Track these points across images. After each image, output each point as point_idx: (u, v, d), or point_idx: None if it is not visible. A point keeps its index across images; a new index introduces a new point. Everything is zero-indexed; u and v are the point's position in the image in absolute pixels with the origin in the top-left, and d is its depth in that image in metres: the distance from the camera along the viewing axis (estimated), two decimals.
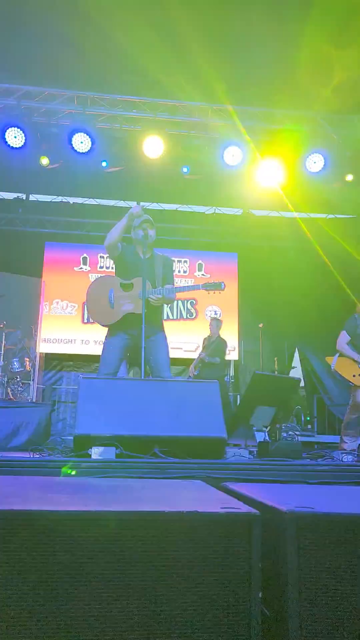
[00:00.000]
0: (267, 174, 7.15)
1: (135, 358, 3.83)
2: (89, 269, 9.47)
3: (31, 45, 6.39)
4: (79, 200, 9.62)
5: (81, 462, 2.37)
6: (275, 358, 8.73)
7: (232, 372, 9.69)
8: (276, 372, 8.41)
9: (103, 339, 4.06)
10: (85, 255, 9.50)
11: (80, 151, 6.60)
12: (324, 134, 6.99)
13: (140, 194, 9.29)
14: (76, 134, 6.56)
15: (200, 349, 7.72)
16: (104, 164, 6.92)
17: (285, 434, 3.51)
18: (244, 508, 1.25)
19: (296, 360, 9.76)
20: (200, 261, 9.73)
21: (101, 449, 2.48)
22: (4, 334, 7.40)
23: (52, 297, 9.19)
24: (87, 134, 6.57)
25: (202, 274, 9.57)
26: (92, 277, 9.17)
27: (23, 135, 6.45)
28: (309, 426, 8.33)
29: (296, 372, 9.56)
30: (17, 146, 6.47)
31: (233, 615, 1.13)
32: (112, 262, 4.16)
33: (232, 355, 9.44)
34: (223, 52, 6.54)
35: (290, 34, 6.19)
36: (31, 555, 1.08)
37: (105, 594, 1.09)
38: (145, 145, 6.77)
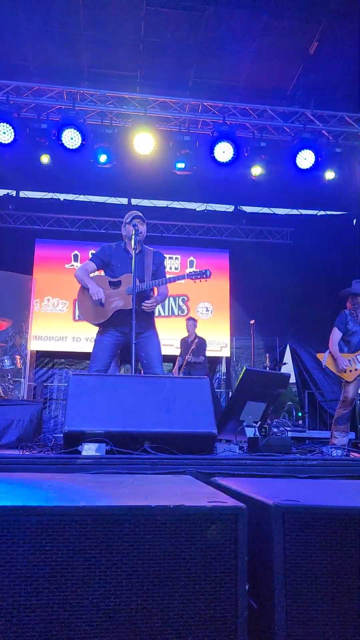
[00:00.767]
0: (257, 170, 7.15)
1: (127, 355, 3.83)
2: (79, 265, 9.43)
3: (20, 41, 6.36)
4: (70, 196, 9.59)
5: (71, 458, 2.36)
6: (267, 354, 8.75)
7: (223, 369, 9.71)
8: (268, 368, 8.43)
9: (94, 336, 4.05)
10: (76, 252, 9.47)
11: (70, 147, 6.56)
12: (314, 130, 7.00)
13: (131, 190, 9.28)
14: (66, 130, 6.52)
15: (180, 350, 7.71)
16: (104, 157, 6.86)
17: (275, 429, 3.53)
18: (231, 502, 1.25)
19: (287, 356, 9.80)
20: (191, 257, 9.73)
21: (91, 445, 2.48)
22: None
23: (43, 295, 9.16)
24: (77, 130, 6.53)
25: (194, 270, 9.57)
26: None
27: (12, 131, 6.40)
28: (300, 421, 8.36)
29: (287, 367, 9.61)
30: (7, 142, 6.42)
31: (220, 608, 1.14)
32: None
33: (224, 351, 9.47)
34: (209, 49, 6.55)
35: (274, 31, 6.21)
36: (18, 552, 1.08)
37: (92, 588, 1.10)
38: (135, 141, 6.75)
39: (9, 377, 7.13)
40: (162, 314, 9.29)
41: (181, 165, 6.95)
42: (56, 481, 1.64)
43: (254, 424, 3.07)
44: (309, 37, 6.32)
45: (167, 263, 9.49)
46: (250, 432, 3.09)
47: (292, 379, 9.49)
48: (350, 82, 6.75)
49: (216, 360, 9.52)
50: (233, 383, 9.41)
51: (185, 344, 7.61)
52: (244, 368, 3.50)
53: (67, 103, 6.65)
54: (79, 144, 6.55)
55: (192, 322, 7.64)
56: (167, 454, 2.56)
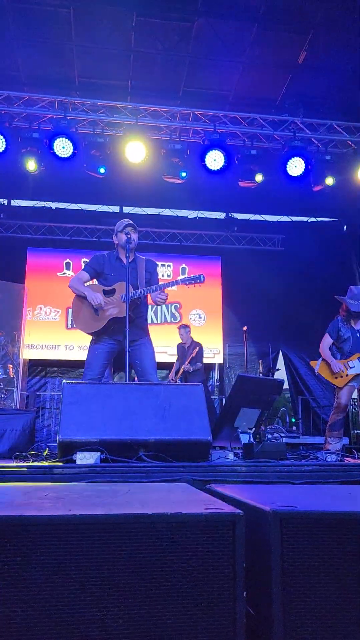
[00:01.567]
0: (247, 178, 7.20)
1: (121, 363, 3.82)
2: (72, 274, 9.43)
3: (11, 51, 6.38)
4: (62, 205, 9.60)
5: (66, 467, 2.35)
6: (260, 360, 8.78)
7: (216, 375, 9.72)
8: (261, 374, 8.45)
9: (87, 344, 4.05)
10: (68, 260, 9.47)
11: (62, 156, 6.59)
12: (304, 138, 7.07)
13: (123, 198, 9.31)
14: (57, 139, 6.54)
15: (177, 356, 7.70)
16: (102, 170, 6.89)
17: (270, 436, 3.53)
18: (228, 508, 1.25)
19: (280, 363, 9.83)
20: (183, 265, 9.76)
21: (86, 454, 2.47)
22: None
23: (36, 303, 9.13)
24: (68, 139, 6.56)
25: (187, 276, 9.59)
26: None
27: (4, 140, 6.42)
28: (294, 427, 8.38)
29: (281, 374, 9.63)
30: None
31: (218, 615, 1.14)
32: None
33: (217, 358, 9.47)
34: (199, 59, 6.61)
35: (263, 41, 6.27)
36: (15, 561, 1.07)
37: (89, 597, 1.09)
38: (127, 149, 6.78)
39: (2, 387, 7.10)
40: (155, 321, 9.29)
41: (184, 174, 6.98)
42: (51, 491, 1.63)
43: (248, 431, 3.07)
44: (297, 47, 6.40)
45: (160, 270, 9.50)
46: (244, 438, 3.09)
47: (285, 385, 9.52)
48: (338, 90, 6.85)
49: (209, 367, 9.52)
50: (226, 389, 9.41)
51: (182, 349, 7.60)
52: (238, 374, 3.51)
53: (59, 112, 6.68)
54: (70, 153, 6.58)
55: (184, 329, 7.64)
56: (162, 461, 2.55)
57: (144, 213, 9.81)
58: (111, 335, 3.89)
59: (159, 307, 9.27)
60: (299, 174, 6.95)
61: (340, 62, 6.41)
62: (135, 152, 6.79)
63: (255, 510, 1.32)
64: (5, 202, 9.46)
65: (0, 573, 1.07)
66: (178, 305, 9.54)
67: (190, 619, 1.12)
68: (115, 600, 1.10)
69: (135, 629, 1.09)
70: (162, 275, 9.43)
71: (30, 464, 2.70)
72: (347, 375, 5.00)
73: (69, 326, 8.96)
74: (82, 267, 9.36)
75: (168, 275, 9.60)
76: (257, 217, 10.13)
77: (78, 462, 2.46)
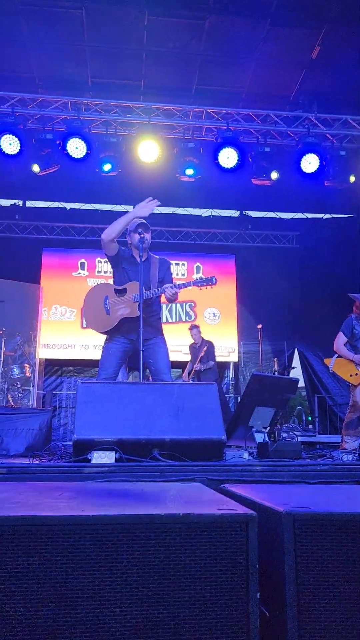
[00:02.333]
0: (261, 175, 7.16)
1: (135, 362, 3.83)
2: (87, 273, 9.48)
3: (24, 53, 6.43)
4: (76, 205, 9.65)
5: (81, 467, 2.37)
6: (275, 359, 8.73)
7: (231, 374, 9.69)
8: (276, 372, 8.40)
9: (102, 344, 4.06)
10: (82, 260, 9.52)
11: (76, 157, 6.62)
12: (318, 134, 7.01)
13: (136, 197, 9.29)
14: (71, 140, 6.58)
15: (190, 357, 7.69)
16: (108, 166, 6.91)
17: (285, 434, 3.51)
18: (241, 509, 1.25)
19: (296, 361, 9.77)
20: (197, 263, 9.75)
21: (100, 453, 2.48)
22: (3, 340, 7.41)
23: (51, 303, 9.20)
24: (82, 139, 6.59)
25: (200, 277, 9.56)
26: (90, 282, 9.19)
27: (18, 142, 6.47)
28: (311, 426, 8.32)
29: (296, 372, 9.57)
30: (13, 153, 6.49)
31: (232, 616, 1.13)
32: (110, 266, 4.16)
33: (232, 356, 9.45)
34: (211, 56, 6.59)
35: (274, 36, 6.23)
36: (29, 561, 1.08)
37: (103, 597, 1.10)
38: (140, 149, 6.79)
39: (19, 386, 7.17)
40: (170, 320, 9.30)
41: (190, 171, 6.98)
42: (66, 490, 1.64)
43: (263, 430, 3.06)
44: (311, 42, 6.35)
45: (174, 269, 9.51)
46: (259, 437, 3.08)
47: (301, 383, 9.45)
48: (353, 85, 6.77)
49: (224, 366, 9.50)
50: (241, 388, 9.39)
51: (194, 350, 7.60)
52: (252, 373, 3.50)
53: (72, 113, 6.71)
54: (84, 153, 6.61)
55: (195, 329, 7.63)
56: (176, 461, 2.55)
57: (158, 212, 9.75)
58: (124, 335, 3.90)
59: (173, 306, 9.28)
60: (313, 171, 6.90)
61: (354, 56, 6.34)
62: (148, 151, 6.80)
63: (269, 510, 1.31)
64: (21, 203, 9.55)
65: (15, 572, 1.08)
66: (192, 304, 9.53)
67: (204, 620, 1.12)
68: (129, 600, 1.11)
69: (149, 629, 1.10)
70: (176, 274, 9.43)
71: (46, 463, 2.72)
72: None
73: (84, 326, 9.01)
74: (97, 267, 9.37)
75: (182, 274, 9.60)
76: (271, 214, 10.07)
77: (93, 461, 2.47)
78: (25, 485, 1.83)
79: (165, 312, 9.09)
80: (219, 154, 6.77)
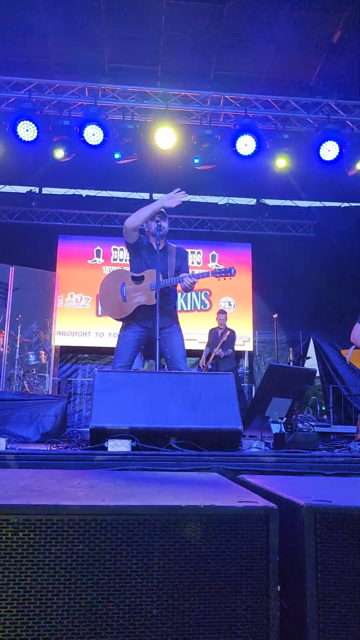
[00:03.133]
0: (280, 162, 7.07)
1: (150, 350, 3.83)
2: (102, 261, 9.49)
3: (41, 38, 6.39)
4: (92, 192, 9.63)
5: (98, 454, 2.38)
6: (290, 348, 8.68)
7: (246, 363, 9.67)
8: (291, 362, 8.36)
9: (117, 332, 4.06)
10: (98, 247, 9.52)
11: (92, 143, 6.59)
12: (338, 121, 6.88)
13: (153, 185, 9.27)
14: (88, 126, 6.55)
15: (208, 341, 7.68)
16: (117, 155, 6.90)
17: (301, 425, 3.49)
18: (261, 502, 1.24)
19: (311, 351, 9.70)
20: (213, 252, 9.69)
21: (117, 441, 2.49)
22: (19, 327, 7.47)
23: (67, 290, 9.24)
24: (98, 126, 6.55)
25: (216, 265, 9.54)
26: (106, 269, 9.19)
27: (35, 128, 6.46)
28: (325, 416, 8.28)
29: (311, 362, 9.51)
30: (29, 139, 6.48)
31: (251, 609, 1.13)
32: (126, 254, 4.15)
33: (247, 346, 9.42)
34: (230, 41, 6.48)
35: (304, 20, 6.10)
36: (50, 550, 1.09)
37: (123, 588, 1.10)
38: (157, 136, 6.73)
39: (34, 372, 7.23)
40: (185, 308, 9.29)
41: (201, 159, 6.93)
42: (84, 478, 1.65)
43: (279, 420, 3.04)
44: (332, 27, 6.21)
45: (190, 258, 9.47)
46: (275, 428, 3.06)
47: (316, 373, 9.40)
48: None
49: (239, 355, 9.47)
50: (256, 377, 9.37)
51: (214, 335, 7.58)
52: (269, 364, 3.47)
53: (89, 99, 6.67)
54: (100, 140, 6.57)
55: (223, 315, 7.62)
56: (192, 450, 2.55)
57: None
58: (140, 322, 3.89)
59: (188, 295, 9.25)
60: (332, 158, 6.78)
61: None
62: (165, 138, 6.74)
63: (289, 503, 1.30)
64: (37, 190, 9.56)
65: (37, 561, 1.08)
66: (208, 293, 9.50)
67: (223, 612, 1.12)
68: (149, 591, 1.11)
69: (168, 620, 1.10)
70: (192, 263, 9.39)
71: (63, 450, 2.74)
72: None
73: (99, 313, 9.04)
74: (112, 255, 9.36)
75: (198, 263, 9.56)
76: (288, 202, 9.95)
77: (110, 449, 2.48)
78: (44, 473, 1.84)
79: (180, 301, 9.07)
80: (237, 141, 6.69)
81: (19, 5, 5.89)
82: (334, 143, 6.74)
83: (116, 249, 9.41)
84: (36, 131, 6.46)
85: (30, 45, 6.55)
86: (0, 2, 5.82)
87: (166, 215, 3.98)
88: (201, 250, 9.67)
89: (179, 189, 3.83)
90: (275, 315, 8.03)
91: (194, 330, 8.23)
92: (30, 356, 7.31)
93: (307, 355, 9.51)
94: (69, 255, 9.43)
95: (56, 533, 1.09)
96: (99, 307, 8.99)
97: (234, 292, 9.42)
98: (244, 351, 9.53)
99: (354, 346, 5.09)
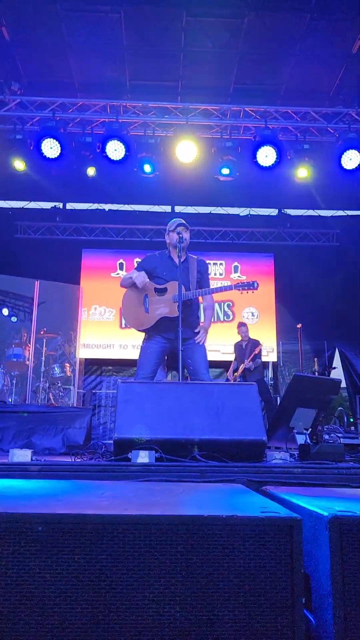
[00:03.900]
0: (301, 172, 7.06)
1: (173, 361, 3.84)
2: (125, 274, 9.56)
3: (64, 57, 6.55)
4: (114, 206, 9.76)
5: (121, 466, 2.39)
6: (315, 359, 8.58)
7: (270, 374, 9.59)
8: (316, 372, 8.26)
9: (141, 344, 4.09)
10: (121, 260, 9.62)
11: (114, 159, 6.70)
12: (359, 130, 6.85)
13: (174, 198, 9.35)
14: (110, 142, 6.66)
15: (234, 355, 7.65)
16: (148, 167, 6.98)
17: (327, 436, 3.44)
18: (285, 512, 1.23)
19: (337, 361, 9.57)
20: (236, 263, 9.69)
21: (141, 452, 2.50)
22: (44, 340, 7.57)
23: (90, 303, 9.33)
24: (120, 141, 6.66)
25: (238, 276, 9.52)
26: None
27: (59, 145, 6.60)
28: (352, 428, 8.13)
29: (337, 372, 9.38)
30: (53, 157, 6.62)
31: (276, 621, 1.12)
32: None
33: (271, 356, 9.35)
34: (249, 54, 6.53)
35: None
36: (74, 559, 1.10)
37: (147, 598, 1.10)
38: (178, 149, 6.81)
39: (59, 385, 7.30)
40: None
41: (226, 170, 6.96)
42: (108, 489, 1.66)
43: (304, 431, 3.01)
44: (352, 36, 6.22)
45: (212, 269, 9.49)
46: (301, 439, 3.03)
47: (342, 384, 9.25)
48: None
49: (263, 365, 9.38)
50: (280, 388, 9.27)
51: (239, 348, 7.56)
52: (293, 374, 3.44)
53: (111, 116, 6.79)
54: (122, 155, 6.68)
55: (243, 327, 7.60)
56: (216, 461, 2.54)
57: (195, 212, 9.81)
58: (162, 334, 3.91)
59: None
60: (354, 167, 6.74)
61: None
62: (186, 151, 6.81)
63: (313, 514, 1.29)
64: (61, 205, 9.73)
65: (61, 569, 1.09)
66: (231, 304, 9.48)
67: (247, 623, 1.11)
68: (172, 601, 1.11)
69: (191, 631, 1.09)
70: (214, 274, 9.40)
71: (87, 461, 2.76)
72: None
73: (123, 326, 9.10)
74: (135, 267, 9.45)
75: (220, 274, 9.56)
76: (310, 212, 9.91)
77: (133, 460, 2.49)
78: (68, 483, 1.86)
79: (202, 311, 9.07)
80: (257, 153, 6.71)
81: (42, 27, 6.06)
82: (356, 152, 6.70)
83: (139, 262, 9.48)
84: (60, 148, 6.60)
85: (54, 66, 6.73)
86: (24, 25, 6.00)
87: (188, 227, 4.01)
88: (224, 262, 9.68)
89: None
90: (299, 325, 7.96)
91: (217, 342, 8.22)
92: (56, 369, 7.39)
93: (333, 366, 9.38)
94: (92, 268, 9.55)
95: (80, 542, 1.10)
96: (123, 319, 9.05)
97: (257, 302, 9.39)
98: (268, 362, 9.46)
99: None
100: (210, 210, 9.86)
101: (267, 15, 6.00)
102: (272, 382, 9.54)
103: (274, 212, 9.93)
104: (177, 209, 9.70)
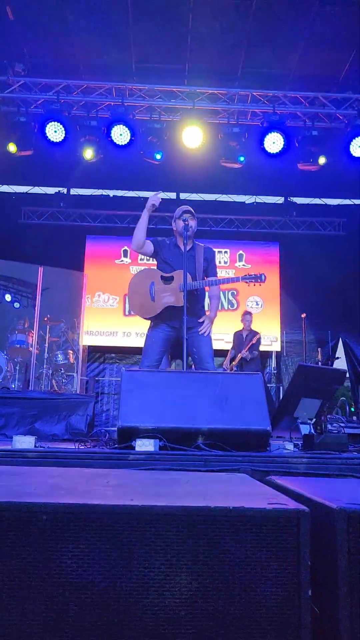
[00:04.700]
0: (307, 160, 6.97)
1: (178, 350, 3.82)
2: (129, 261, 9.53)
3: (69, 39, 6.44)
4: (119, 192, 9.68)
5: (125, 454, 2.38)
6: (319, 349, 8.56)
7: (273, 363, 9.57)
8: (319, 362, 8.24)
9: (145, 331, 4.07)
10: (125, 247, 9.56)
11: (120, 143, 6.62)
12: None
13: (180, 184, 9.26)
14: (115, 126, 6.58)
15: (232, 344, 7.63)
16: (158, 156, 6.89)
17: (331, 426, 3.43)
18: (292, 504, 1.21)
19: (340, 351, 9.54)
20: (241, 251, 9.63)
21: (145, 441, 2.49)
22: (48, 327, 7.56)
23: (94, 290, 9.30)
24: (126, 126, 6.58)
25: (243, 265, 9.47)
26: (133, 269, 9.23)
27: (63, 129, 6.52)
28: (354, 417, 8.12)
29: (340, 362, 9.35)
30: (57, 140, 6.55)
31: (282, 614, 1.10)
32: None
33: (274, 346, 9.33)
34: (258, 37, 6.41)
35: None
36: (79, 548, 1.08)
37: (151, 588, 1.09)
38: (184, 135, 6.72)
39: (63, 372, 7.32)
40: None
41: (242, 158, 6.87)
42: (112, 478, 1.65)
43: (309, 421, 3.00)
44: None
45: (217, 257, 9.42)
46: (305, 429, 3.01)
47: (346, 374, 9.23)
48: None
49: (266, 355, 9.39)
50: (283, 378, 9.27)
51: (239, 337, 7.54)
52: (298, 364, 3.42)
53: (116, 99, 6.70)
54: (128, 140, 6.60)
55: (248, 316, 7.57)
56: (219, 450, 2.53)
57: (201, 199, 9.73)
58: (167, 322, 3.89)
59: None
60: None
61: None
62: (192, 137, 6.72)
63: (320, 506, 1.27)
64: (65, 191, 9.66)
65: (64, 559, 1.08)
66: (235, 292, 9.44)
67: (253, 615, 1.10)
68: (177, 592, 1.09)
69: (197, 622, 1.08)
70: (219, 262, 9.34)
71: (91, 449, 2.75)
72: None
73: (127, 313, 9.07)
74: (139, 255, 9.35)
75: (225, 262, 9.50)
76: (317, 200, 9.81)
77: (137, 448, 2.48)
78: (72, 471, 1.85)
79: (207, 300, 9.04)
80: (265, 139, 6.62)
81: (47, 7, 5.96)
82: None
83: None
84: (64, 132, 6.52)
85: (58, 47, 6.61)
86: (29, 4, 5.90)
87: (194, 214, 3.97)
88: (228, 250, 9.62)
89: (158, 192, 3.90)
90: (303, 315, 7.92)
91: (221, 330, 8.18)
92: (59, 355, 7.39)
93: (337, 356, 9.35)
94: (96, 255, 9.51)
95: (84, 531, 1.09)
96: (127, 306, 9.03)
97: (262, 291, 9.34)
98: (271, 351, 9.44)
99: None
100: (215, 198, 9.77)
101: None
102: (275, 372, 9.53)
103: (280, 200, 9.84)
104: (183, 195, 9.61)
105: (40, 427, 4.48)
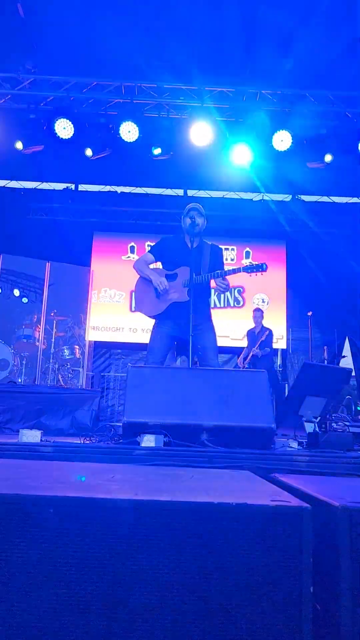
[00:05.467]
0: (316, 158, 6.95)
1: (183, 347, 3.83)
2: (136, 257, 9.54)
3: (78, 37, 6.45)
4: (127, 189, 9.68)
5: (130, 449, 2.40)
6: (325, 347, 8.55)
7: (279, 361, 9.57)
8: (325, 361, 8.23)
9: (150, 327, 4.08)
10: (132, 243, 9.58)
11: (128, 140, 6.62)
12: None
13: (187, 181, 9.26)
14: (123, 123, 6.58)
15: (246, 342, 7.64)
16: (158, 150, 6.89)
17: (335, 425, 3.43)
18: (295, 501, 1.22)
19: (347, 349, 9.51)
20: (247, 248, 9.62)
21: (150, 436, 2.50)
22: (54, 322, 7.60)
23: (101, 286, 9.33)
24: (134, 123, 6.58)
25: (250, 262, 9.45)
26: None
27: (72, 126, 6.53)
28: None
29: (346, 361, 9.33)
30: (66, 137, 6.56)
31: (284, 610, 1.12)
32: None
33: (280, 343, 9.32)
34: (268, 33, 6.39)
35: None
36: (84, 542, 1.10)
37: (154, 582, 1.10)
38: (192, 132, 6.71)
39: (69, 367, 7.35)
40: (218, 305, 9.26)
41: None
42: (117, 472, 1.66)
43: (313, 420, 3.00)
44: None
45: (224, 255, 9.42)
46: (309, 427, 3.02)
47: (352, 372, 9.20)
48: None
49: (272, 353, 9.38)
50: (289, 375, 9.26)
51: (251, 335, 7.55)
52: (303, 362, 3.42)
53: (125, 97, 6.70)
54: (136, 137, 6.60)
55: (259, 313, 7.58)
56: (224, 447, 2.54)
57: (208, 196, 9.71)
58: (173, 319, 3.90)
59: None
60: None
61: None
62: (201, 134, 6.71)
63: (323, 504, 1.28)
64: (73, 187, 9.67)
65: (70, 552, 1.10)
66: (241, 290, 9.44)
67: (255, 612, 1.11)
68: (181, 586, 1.11)
69: (200, 616, 1.10)
70: (226, 259, 9.33)
71: (96, 444, 2.78)
72: None
73: (133, 309, 9.10)
74: (146, 251, 9.41)
75: (232, 259, 9.50)
76: (324, 199, 9.77)
77: (142, 444, 2.50)
78: (77, 466, 1.87)
79: (213, 297, 9.04)
80: (273, 137, 6.61)
81: (58, 4, 5.96)
82: None
83: (150, 245, 9.44)
84: (73, 129, 6.54)
85: (68, 45, 6.62)
86: (39, 2, 5.90)
87: (202, 212, 3.97)
88: (235, 247, 9.61)
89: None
90: (309, 313, 7.92)
91: (227, 327, 8.20)
92: (65, 350, 7.43)
93: (343, 354, 9.33)
94: (103, 251, 9.53)
95: (89, 525, 1.11)
96: (133, 302, 9.05)
97: (268, 289, 9.33)
98: (277, 349, 9.43)
99: None
100: (222, 195, 9.75)
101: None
102: (280, 370, 9.52)
103: (287, 197, 9.80)
104: (190, 192, 9.61)
105: (46, 421, 4.51)
